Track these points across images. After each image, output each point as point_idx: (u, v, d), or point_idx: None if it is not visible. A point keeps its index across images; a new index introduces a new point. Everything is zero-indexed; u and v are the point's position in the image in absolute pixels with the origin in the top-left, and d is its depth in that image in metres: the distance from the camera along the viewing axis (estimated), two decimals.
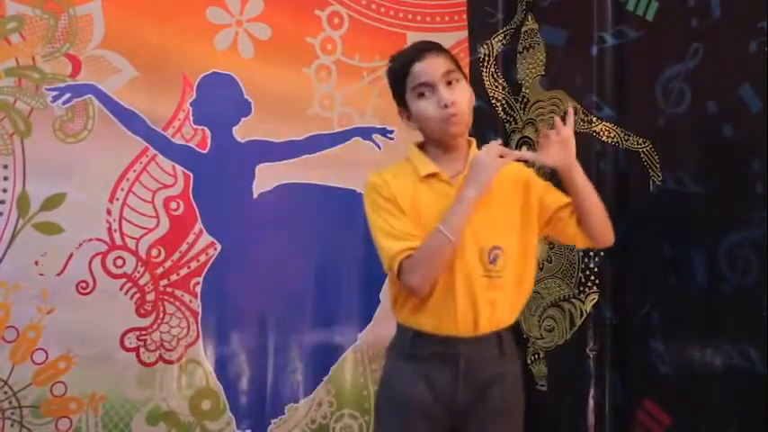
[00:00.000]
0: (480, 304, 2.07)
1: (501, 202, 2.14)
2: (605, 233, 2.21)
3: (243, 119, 3.28)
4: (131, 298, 3.09)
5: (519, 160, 2.18)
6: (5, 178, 2.91)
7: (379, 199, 2.10)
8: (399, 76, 2.13)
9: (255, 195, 3.29)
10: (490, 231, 2.10)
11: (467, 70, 3.64)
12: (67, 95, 3.00)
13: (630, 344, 2.94)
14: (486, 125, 3.56)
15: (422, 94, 2.08)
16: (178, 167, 3.18)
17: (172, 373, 3.16)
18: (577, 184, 2.12)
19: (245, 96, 3.29)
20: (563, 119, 2.17)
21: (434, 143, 2.16)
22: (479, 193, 2.03)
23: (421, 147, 2.20)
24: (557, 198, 2.21)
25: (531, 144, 3.40)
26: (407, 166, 2.17)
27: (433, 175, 2.12)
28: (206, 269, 3.21)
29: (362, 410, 3.43)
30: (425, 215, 2.07)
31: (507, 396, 2.15)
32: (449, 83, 2.08)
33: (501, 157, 2.07)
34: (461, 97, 2.09)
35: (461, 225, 2.02)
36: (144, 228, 3.12)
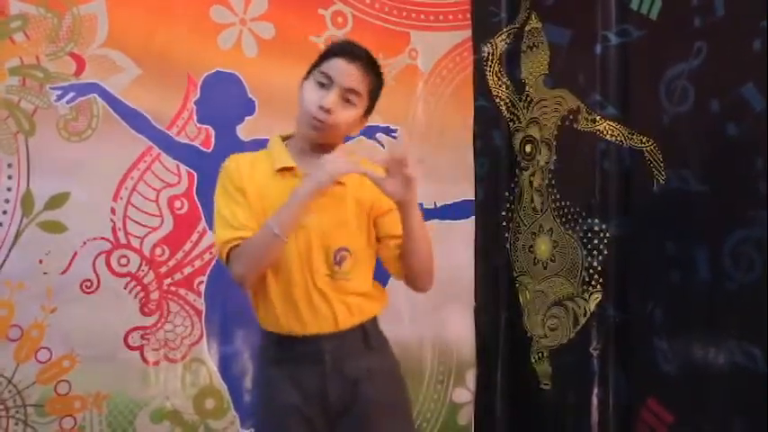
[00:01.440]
0: (334, 302, 2.04)
1: (355, 207, 2.10)
2: (423, 280, 2.15)
3: (247, 118, 3.28)
4: (135, 297, 3.09)
5: (366, 176, 2.02)
6: (10, 177, 2.91)
7: (228, 185, 2.06)
8: (322, 55, 2.08)
9: None
10: (338, 233, 2.06)
11: (471, 69, 3.66)
12: (71, 94, 3.00)
13: (634, 342, 2.94)
14: (490, 124, 3.57)
15: (320, 83, 2.02)
16: (182, 166, 3.18)
17: (176, 371, 3.15)
18: (411, 224, 2.02)
19: (249, 95, 3.29)
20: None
21: (301, 137, 2.11)
22: (313, 189, 1.94)
23: (285, 139, 2.15)
24: (393, 225, 2.11)
25: (534, 143, 3.40)
26: (267, 157, 2.12)
27: (288, 170, 2.06)
28: (210, 268, 3.21)
29: None
30: (271, 210, 2.00)
31: (382, 395, 2.09)
32: (347, 99, 2.02)
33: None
34: (343, 116, 2.03)
35: (291, 221, 1.95)
36: (148, 227, 3.11)
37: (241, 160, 2.11)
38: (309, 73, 2.09)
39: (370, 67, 2.07)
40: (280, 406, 2.06)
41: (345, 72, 2.01)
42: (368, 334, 2.11)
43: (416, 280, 2.16)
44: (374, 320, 2.16)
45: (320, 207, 2.01)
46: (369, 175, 1.96)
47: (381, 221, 2.15)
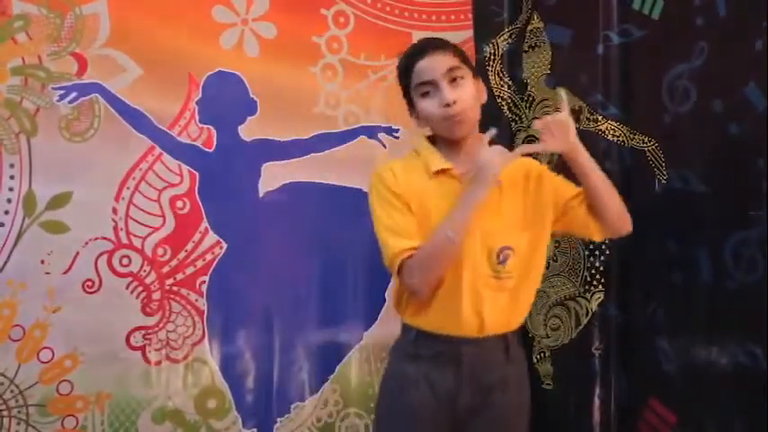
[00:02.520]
0: (487, 305, 2.04)
1: (511, 201, 2.11)
2: (620, 219, 2.18)
3: (248, 118, 3.28)
4: (137, 297, 3.09)
5: (525, 154, 2.14)
6: (12, 177, 2.91)
7: (386, 192, 2.06)
8: (404, 74, 2.11)
9: (261, 194, 3.29)
10: (500, 231, 2.07)
11: None
12: (73, 94, 3.00)
13: (636, 342, 2.94)
14: (492, 124, 3.56)
15: (426, 93, 2.05)
16: (184, 166, 3.18)
17: (178, 371, 3.16)
18: (583, 164, 2.09)
19: (251, 95, 3.29)
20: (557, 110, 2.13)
21: (443, 140, 2.12)
22: (483, 192, 1.98)
23: (431, 140, 2.17)
24: (570, 188, 2.18)
25: (536, 143, 3.40)
26: (417, 160, 2.13)
27: (443, 172, 2.08)
28: (212, 268, 3.21)
29: (368, 409, 3.42)
30: (435, 213, 2.03)
31: (511, 402, 2.12)
32: (453, 80, 2.04)
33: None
34: (464, 95, 2.04)
35: (465, 225, 1.97)
36: (150, 227, 3.12)
37: (394, 167, 2.11)
38: (409, 95, 2.13)
39: (442, 43, 2.11)
40: (409, 402, 2.06)
41: (429, 66, 2.05)
42: (509, 345, 2.12)
43: (614, 222, 2.18)
44: (516, 332, 2.16)
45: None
46: (527, 150, 2.10)
47: (560, 191, 2.17)
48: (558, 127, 2.05)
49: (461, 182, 2.06)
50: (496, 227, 2.06)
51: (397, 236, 2.01)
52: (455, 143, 2.11)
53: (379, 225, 2.06)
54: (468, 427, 2.08)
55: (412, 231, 2.01)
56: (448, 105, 2.02)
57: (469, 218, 1.98)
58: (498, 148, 2.04)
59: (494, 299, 2.06)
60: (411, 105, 2.14)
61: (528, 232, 2.12)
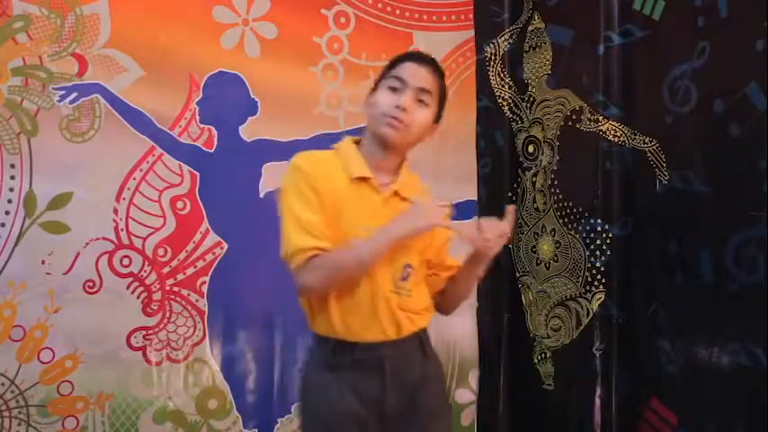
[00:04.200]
0: (398, 312, 2.06)
1: None
2: (452, 310, 2.31)
3: (249, 118, 3.28)
4: (138, 297, 3.09)
5: (462, 235, 2.10)
6: (12, 177, 2.91)
7: (304, 186, 2.02)
8: (391, 63, 2.13)
9: (262, 194, 3.29)
10: (404, 249, 2.07)
11: (474, 69, 3.66)
12: (74, 95, 3.00)
13: (637, 343, 2.94)
14: (493, 124, 3.57)
15: (392, 88, 2.06)
16: (185, 167, 3.18)
17: (178, 372, 3.16)
18: (476, 274, 2.17)
19: (252, 96, 3.30)
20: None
21: (374, 142, 2.10)
22: (410, 232, 2.00)
23: (357, 143, 2.16)
24: (448, 257, 2.24)
25: (537, 143, 3.40)
26: (337, 160, 2.11)
27: (365, 180, 2.06)
28: (212, 268, 3.21)
29: None
30: (347, 218, 2.03)
31: (436, 401, 2.16)
32: (419, 100, 2.06)
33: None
34: (418, 116, 2.06)
35: (380, 254, 1.99)
36: (151, 227, 3.12)
37: (313, 160, 2.08)
38: (379, 81, 2.13)
39: (438, 70, 2.13)
40: (336, 411, 2.05)
41: (417, 73, 2.07)
42: (423, 342, 2.14)
43: (448, 310, 2.30)
44: (426, 330, 2.18)
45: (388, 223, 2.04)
46: (462, 234, 2.06)
47: (439, 250, 2.21)
48: (495, 234, 2.04)
49: (378, 192, 2.06)
50: (402, 245, 2.05)
51: (305, 232, 1.98)
52: (382, 150, 2.09)
53: (289, 216, 2.01)
54: (397, 429, 2.07)
55: (322, 231, 1.99)
56: (399, 108, 2.03)
57: (387, 249, 2.00)
58: (444, 210, 2.06)
59: (401, 310, 2.08)
60: (373, 90, 2.14)
61: (421, 256, 2.15)
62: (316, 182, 2.03)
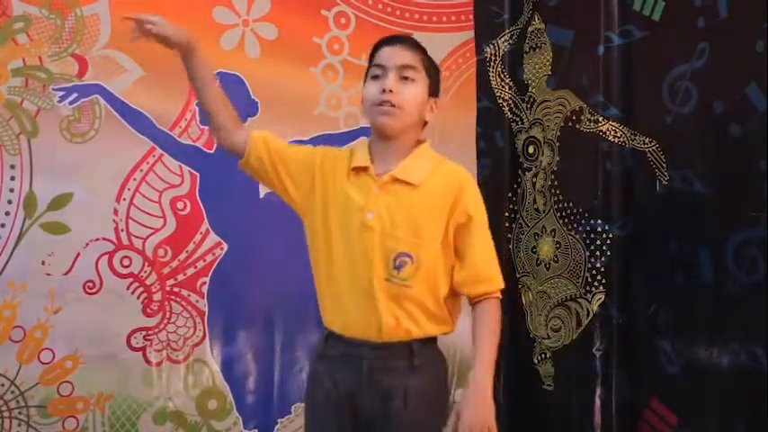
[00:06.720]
0: (383, 309, 1.99)
1: (426, 209, 2.04)
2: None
3: (250, 119, 3.28)
4: (138, 298, 3.09)
5: None
6: (12, 178, 2.91)
7: (309, 150, 2.19)
8: (371, 52, 2.14)
9: (262, 195, 3.29)
10: (402, 236, 2.01)
11: (474, 70, 3.66)
12: (74, 95, 3.00)
13: (637, 343, 2.94)
14: (493, 125, 3.57)
15: (375, 77, 2.07)
16: (185, 167, 3.18)
17: (178, 372, 3.16)
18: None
19: (252, 96, 3.30)
20: None
21: (376, 134, 2.11)
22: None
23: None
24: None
25: (537, 144, 3.40)
26: (348, 155, 2.13)
27: (363, 169, 2.07)
28: (213, 269, 3.21)
29: None
30: (343, 199, 2.06)
31: (412, 415, 2.00)
32: (404, 77, 2.04)
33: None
34: (407, 93, 2.04)
35: None
36: (151, 227, 3.12)
37: (328, 149, 2.20)
38: (365, 78, 2.14)
39: (414, 44, 2.13)
40: (318, 398, 2.08)
41: (393, 53, 2.07)
42: (414, 353, 2.03)
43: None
44: (427, 341, 2.08)
45: (386, 208, 2.02)
46: None
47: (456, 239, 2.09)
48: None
49: (374, 179, 2.05)
50: (400, 231, 2.01)
51: (272, 138, 2.17)
52: (382, 139, 2.09)
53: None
54: None
55: (273, 144, 2.16)
56: (384, 91, 2.02)
57: None
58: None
59: (390, 304, 2.00)
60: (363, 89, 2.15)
61: (436, 244, 2.04)
62: (322, 159, 2.13)
